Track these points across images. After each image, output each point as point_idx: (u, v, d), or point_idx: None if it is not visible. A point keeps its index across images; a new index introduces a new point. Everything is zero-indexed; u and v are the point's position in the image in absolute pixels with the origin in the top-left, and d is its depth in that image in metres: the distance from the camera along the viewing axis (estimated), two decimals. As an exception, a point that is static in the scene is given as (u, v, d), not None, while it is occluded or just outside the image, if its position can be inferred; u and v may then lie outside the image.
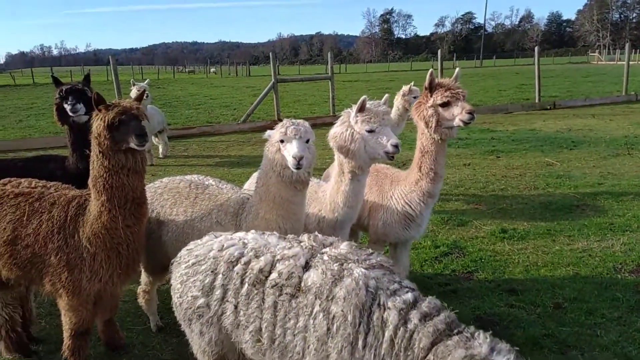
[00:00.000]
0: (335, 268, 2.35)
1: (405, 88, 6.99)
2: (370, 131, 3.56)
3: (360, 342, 2.16)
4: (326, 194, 3.88)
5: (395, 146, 3.53)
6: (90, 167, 3.32)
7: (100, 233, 3.32)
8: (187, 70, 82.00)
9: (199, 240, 2.83)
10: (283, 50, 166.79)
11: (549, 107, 18.68)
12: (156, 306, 4.43)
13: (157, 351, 4.09)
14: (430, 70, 4.17)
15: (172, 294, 2.77)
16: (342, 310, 2.22)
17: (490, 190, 8.32)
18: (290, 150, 3.22)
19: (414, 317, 2.14)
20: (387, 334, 2.13)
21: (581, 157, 10.46)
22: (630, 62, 21.83)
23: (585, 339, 3.98)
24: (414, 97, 6.91)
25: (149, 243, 3.86)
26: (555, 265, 5.36)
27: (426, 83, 4.04)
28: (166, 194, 3.95)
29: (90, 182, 3.34)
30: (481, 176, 9.21)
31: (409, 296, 2.21)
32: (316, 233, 2.70)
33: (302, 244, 2.57)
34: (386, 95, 3.92)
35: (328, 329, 2.23)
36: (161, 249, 3.94)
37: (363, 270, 2.31)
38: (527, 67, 49.19)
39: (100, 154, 3.22)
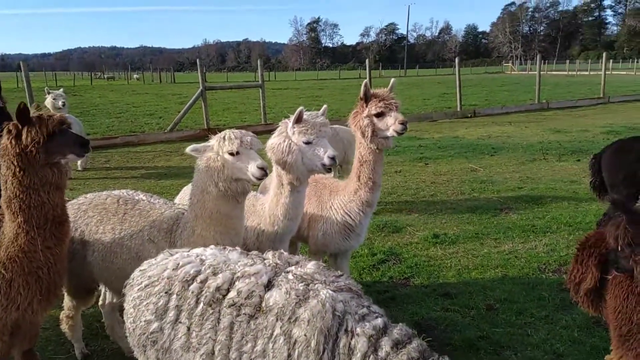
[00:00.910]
0: (301, 288, 2.18)
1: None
2: (308, 143, 3.52)
3: None
4: (265, 207, 3.78)
5: (332, 158, 3.51)
6: (2, 188, 3.01)
7: (17, 257, 3.01)
8: (106, 76, 78.13)
9: (153, 260, 2.63)
10: (209, 57, 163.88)
11: (469, 115, 19.69)
12: (81, 332, 4.11)
13: (84, 381, 3.78)
14: (365, 81, 4.22)
15: (125, 318, 2.57)
16: (305, 335, 2.05)
17: (421, 197, 8.57)
18: (253, 161, 3.14)
19: (385, 344, 2.00)
20: None
21: (501, 163, 11.07)
22: (541, 73, 23.54)
23: (517, 339, 4.16)
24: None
25: (72, 264, 3.55)
26: (485, 268, 5.59)
27: (361, 94, 4.07)
28: (91, 211, 3.67)
29: (2, 203, 3.03)
30: (412, 183, 9.48)
31: (378, 322, 2.08)
32: (281, 251, 2.56)
33: (265, 261, 2.41)
34: (324, 106, 3.92)
35: (289, 355, 2.06)
36: (86, 270, 3.67)
37: (330, 292, 2.15)
38: (447, 76, 51.70)
39: (21, 171, 2.93)
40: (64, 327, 3.98)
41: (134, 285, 2.54)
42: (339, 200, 4.22)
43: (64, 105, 10.47)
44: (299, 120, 3.55)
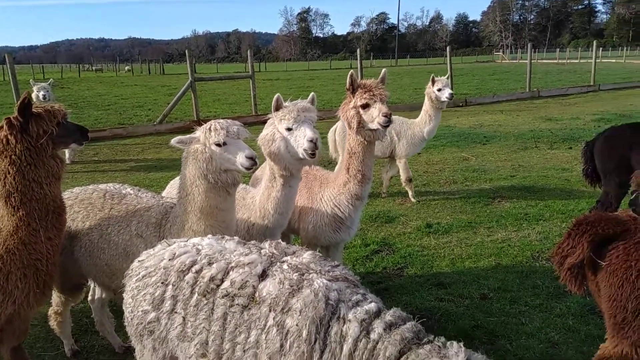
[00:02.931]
0: (295, 278, 2.14)
1: (429, 82, 7.37)
2: (289, 129, 3.42)
3: None
4: (255, 200, 3.70)
5: (311, 141, 3.32)
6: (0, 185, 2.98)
7: (16, 250, 3.00)
8: (94, 68, 77.13)
9: (151, 250, 2.60)
10: (199, 48, 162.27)
11: (461, 104, 19.65)
12: (70, 328, 4.05)
13: (73, 378, 3.72)
14: (351, 72, 4.12)
15: (123, 308, 2.55)
16: (297, 324, 2.01)
17: (414, 186, 8.51)
18: (241, 152, 3.05)
19: (378, 326, 1.96)
20: (345, 349, 1.94)
21: (493, 151, 11.06)
22: (532, 61, 23.53)
23: (511, 328, 4.14)
24: (438, 90, 7.27)
25: (60, 260, 3.48)
26: (479, 257, 5.57)
27: (347, 84, 3.98)
28: (77, 206, 3.59)
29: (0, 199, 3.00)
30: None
31: (372, 306, 2.03)
32: (279, 240, 2.52)
33: (262, 251, 2.36)
34: (312, 93, 3.79)
35: (281, 346, 2.02)
36: (74, 266, 3.60)
37: (325, 281, 2.11)
38: (439, 66, 51.60)
39: (28, 165, 2.94)
40: (53, 323, 3.92)
41: (132, 275, 2.53)
42: (328, 192, 4.15)
43: (44, 98, 10.23)
44: (277, 107, 3.47)
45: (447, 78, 7.75)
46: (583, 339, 3.94)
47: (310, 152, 3.36)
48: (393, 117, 7.65)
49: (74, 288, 3.87)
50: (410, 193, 7.80)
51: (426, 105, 7.55)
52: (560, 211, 6.84)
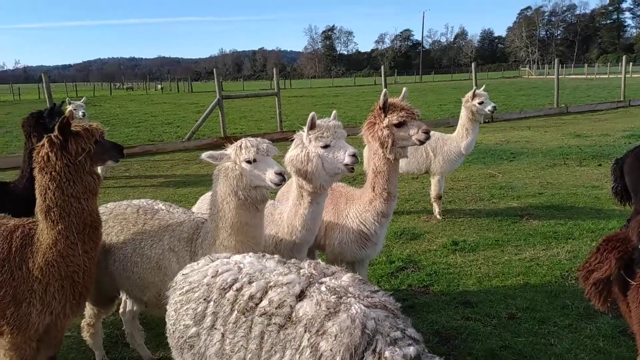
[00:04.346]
0: (332, 300, 2.11)
1: (468, 94, 7.38)
2: (326, 146, 3.51)
3: None
4: (283, 217, 3.78)
5: (354, 155, 3.47)
6: (40, 199, 3.13)
7: (54, 262, 3.13)
8: (125, 86, 79.39)
9: (195, 264, 2.68)
10: (226, 66, 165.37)
11: (487, 120, 19.47)
12: (102, 340, 4.15)
13: (105, 389, 3.81)
14: (385, 90, 4.18)
15: (166, 320, 2.64)
16: (331, 350, 1.98)
17: (439, 203, 8.49)
18: (270, 168, 3.15)
19: None
20: None
21: (521, 168, 10.92)
22: (559, 77, 23.25)
23: (540, 348, 4.07)
24: (480, 103, 7.25)
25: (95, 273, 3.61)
26: (506, 276, 5.50)
27: (380, 103, 4.06)
28: (111, 221, 3.72)
29: (40, 213, 3.15)
30: (429, 189, 9.38)
31: (410, 350, 1.94)
32: (318, 261, 2.55)
33: (301, 271, 2.38)
34: (334, 111, 3.89)
35: None
36: (108, 279, 3.72)
37: (363, 307, 2.05)
38: (464, 82, 51.37)
39: (67, 182, 3.09)
40: (85, 334, 4.03)
41: (177, 289, 2.60)
42: (354, 209, 4.20)
43: (84, 115, 10.65)
44: (312, 126, 3.55)
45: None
46: (615, 361, 3.85)
47: (352, 166, 3.50)
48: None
49: (107, 300, 3.98)
50: (437, 210, 7.76)
51: (463, 119, 7.45)
52: (590, 230, 6.71)
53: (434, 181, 7.70)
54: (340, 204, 4.36)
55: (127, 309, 4.19)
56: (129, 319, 4.19)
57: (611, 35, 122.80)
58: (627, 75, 25.72)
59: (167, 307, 2.62)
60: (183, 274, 2.65)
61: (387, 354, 1.91)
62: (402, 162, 7.54)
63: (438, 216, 7.71)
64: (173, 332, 2.54)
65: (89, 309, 3.96)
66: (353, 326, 1.99)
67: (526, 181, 9.75)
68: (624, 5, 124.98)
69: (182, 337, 2.47)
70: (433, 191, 7.72)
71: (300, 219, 3.65)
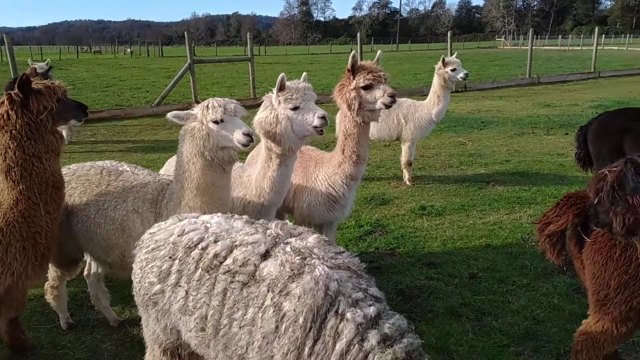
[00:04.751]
0: (297, 262, 2.14)
1: (440, 61, 7.36)
2: (295, 108, 3.49)
3: (307, 349, 1.98)
4: (252, 179, 3.77)
5: (323, 118, 3.47)
6: (0, 158, 3.07)
7: (15, 222, 3.10)
8: (93, 50, 76.60)
9: (162, 224, 2.67)
10: (198, 31, 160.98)
11: (460, 90, 19.60)
12: (66, 302, 4.15)
13: (69, 350, 3.83)
14: (353, 52, 4.16)
15: (132, 278, 2.65)
16: (294, 310, 2.02)
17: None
18: (238, 129, 3.11)
19: (373, 337, 1.92)
20: (338, 347, 1.93)
21: (490, 137, 11.10)
22: (533, 47, 23.44)
23: (498, 305, 4.25)
24: (452, 70, 7.25)
25: (58, 235, 3.56)
26: (470, 238, 5.66)
27: (349, 65, 4.04)
28: (74, 182, 3.66)
29: (0, 172, 3.10)
30: (400, 156, 9.47)
31: (370, 311, 1.99)
32: (286, 221, 2.56)
33: (267, 231, 2.39)
34: (304, 73, 3.85)
35: (276, 327, 2.05)
36: (71, 241, 3.69)
37: (326, 269, 2.08)
38: (440, 51, 51.28)
39: (28, 140, 3.03)
40: (49, 297, 4.01)
41: (143, 247, 2.60)
42: (323, 172, 4.22)
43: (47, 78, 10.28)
44: (282, 87, 3.52)
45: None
46: (567, 317, 4.04)
47: (320, 128, 3.48)
48: (401, 99, 7.78)
49: (71, 262, 3.96)
50: (406, 176, 7.86)
51: (435, 86, 7.50)
52: (553, 195, 6.92)
53: (404, 147, 7.78)
54: (310, 167, 4.37)
55: (92, 271, 4.16)
56: (93, 281, 4.16)
57: (586, 7, 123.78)
58: (598, 47, 26.06)
59: (133, 265, 2.63)
60: (150, 233, 2.65)
61: (348, 315, 1.96)
62: (374, 129, 7.60)
63: (408, 182, 7.82)
64: (139, 289, 2.56)
65: (52, 271, 3.94)
66: (316, 288, 2.02)
67: (494, 149, 9.93)
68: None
69: (147, 294, 2.49)
70: (403, 157, 7.80)
71: (269, 181, 3.65)
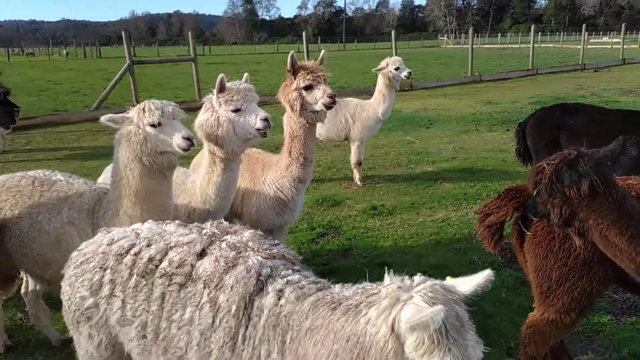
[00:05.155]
0: (232, 255, 2.15)
1: (383, 61, 7.44)
2: (236, 110, 3.39)
3: (240, 337, 1.99)
4: (196, 185, 3.64)
5: (265, 120, 3.38)
6: None
7: None
8: (25, 52, 72.64)
9: (91, 239, 2.53)
10: (138, 30, 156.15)
11: (407, 89, 19.97)
12: (3, 324, 3.88)
13: (7, 375, 3.57)
14: (292, 52, 4.08)
15: (61, 297, 2.48)
16: (227, 300, 2.03)
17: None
18: (177, 132, 2.98)
19: (289, 293, 1.99)
20: (262, 320, 1.98)
21: (437, 134, 11.37)
22: (474, 46, 24.23)
23: (449, 302, 4.30)
24: (396, 69, 7.28)
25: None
26: (420, 236, 5.75)
27: (288, 66, 3.96)
28: (4, 194, 3.42)
29: None
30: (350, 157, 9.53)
31: (294, 277, 2.07)
32: (221, 220, 2.50)
33: (203, 231, 2.34)
34: (245, 74, 3.74)
35: (212, 322, 2.04)
36: (4, 257, 3.45)
37: (260, 258, 2.12)
38: (386, 50, 52.17)
39: None
40: (-18, 319, 3.73)
41: (71, 264, 2.47)
42: (271, 175, 4.14)
43: None
44: (222, 89, 3.41)
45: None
46: (515, 309, 4.16)
47: (263, 130, 3.38)
48: (347, 99, 7.79)
49: (6, 280, 3.72)
50: (357, 176, 7.90)
51: (380, 85, 7.57)
52: (497, 190, 7.11)
53: (353, 147, 7.81)
54: (257, 170, 4.28)
55: (30, 289, 3.91)
56: (32, 300, 3.91)
57: (523, 5, 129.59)
58: (535, 45, 27.25)
59: (62, 283, 2.47)
60: (78, 250, 2.51)
61: (269, 288, 2.02)
62: (322, 129, 7.59)
63: (359, 182, 7.86)
64: (69, 307, 2.42)
65: (-16, 291, 3.66)
66: (248, 275, 2.05)
67: (441, 147, 10.16)
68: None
69: (79, 309, 2.36)
70: (353, 157, 7.84)
71: (214, 186, 3.53)
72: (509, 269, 4.84)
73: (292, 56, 3.95)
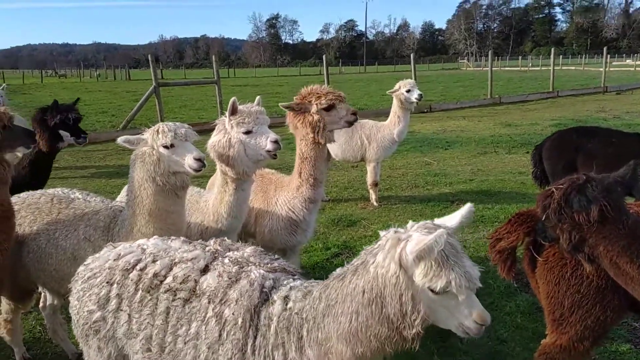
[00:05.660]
0: (234, 270, 2.23)
1: (397, 84, 7.63)
2: (247, 132, 3.47)
3: (249, 348, 2.05)
4: (208, 204, 3.72)
5: (275, 142, 3.46)
6: None
7: None
8: (57, 74, 75.25)
9: (97, 254, 2.62)
10: (167, 53, 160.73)
11: (425, 110, 20.00)
12: (21, 336, 3.97)
13: (24, 387, 3.64)
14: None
15: (70, 311, 2.57)
16: (233, 314, 2.10)
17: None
18: (189, 154, 3.08)
19: (294, 294, 2.09)
20: (272, 327, 2.05)
21: (455, 156, 11.31)
22: (493, 69, 24.21)
23: (463, 326, 4.24)
24: (407, 91, 7.47)
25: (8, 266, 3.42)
26: (436, 258, 5.67)
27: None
28: (24, 211, 3.53)
29: None
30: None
31: (295, 283, 2.16)
32: (224, 238, 2.57)
33: (206, 248, 2.42)
34: (258, 97, 3.83)
35: (220, 336, 2.10)
36: (22, 272, 3.54)
37: (262, 271, 2.20)
38: (406, 72, 52.41)
39: None
40: (3, 331, 3.83)
41: (79, 279, 2.55)
42: (283, 196, 4.20)
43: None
44: (234, 111, 3.50)
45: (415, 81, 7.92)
46: (530, 335, 4.07)
47: (274, 152, 3.47)
48: (363, 121, 7.88)
49: (24, 294, 3.79)
50: (373, 197, 7.91)
51: (394, 107, 7.70)
52: (515, 213, 7.06)
53: (369, 168, 7.84)
54: (270, 191, 4.34)
55: (47, 303, 4.01)
56: (49, 314, 4.01)
57: (543, 28, 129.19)
58: (556, 68, 27.11)
59: (70, 298, 2.56)
60: (85, 264, 2.59)
61: (275, 297, 2.11)
62: (338, 150, 7.67)
63: (375, 203, 7.86)
64: (77, 320, 2.50)
65: (5, 304, 3.77)
66: (252, 288, 2.12)
67: (458, 168, 10.11)
68: (555, 0, 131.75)
69: (87, 323, 2.43)
70: (369, 178, 7.86)
71: (226, 206, 3.60)
72: (525, 293, 4.75)
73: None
